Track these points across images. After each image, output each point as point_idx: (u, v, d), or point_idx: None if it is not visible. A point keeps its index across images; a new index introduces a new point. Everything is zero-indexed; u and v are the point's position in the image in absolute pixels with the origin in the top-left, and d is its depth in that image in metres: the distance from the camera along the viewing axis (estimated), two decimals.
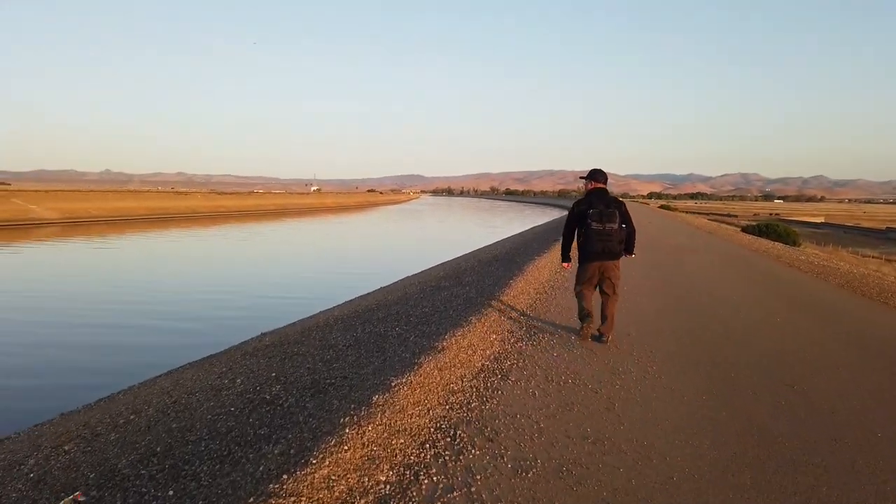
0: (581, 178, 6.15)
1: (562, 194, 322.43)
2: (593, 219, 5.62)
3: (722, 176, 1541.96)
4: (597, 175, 5.90)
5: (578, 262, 6.01)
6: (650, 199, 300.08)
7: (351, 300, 11.32)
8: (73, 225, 40.06)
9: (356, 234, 39.18)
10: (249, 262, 22.76)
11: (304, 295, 14.53)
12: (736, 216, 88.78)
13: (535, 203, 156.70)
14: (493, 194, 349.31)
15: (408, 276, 14.14)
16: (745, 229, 35.08)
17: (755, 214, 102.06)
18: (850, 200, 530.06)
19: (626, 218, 5.78)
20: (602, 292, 5.98)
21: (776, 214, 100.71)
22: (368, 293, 11.96)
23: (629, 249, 6.05)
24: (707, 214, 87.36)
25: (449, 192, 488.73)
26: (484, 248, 20.45)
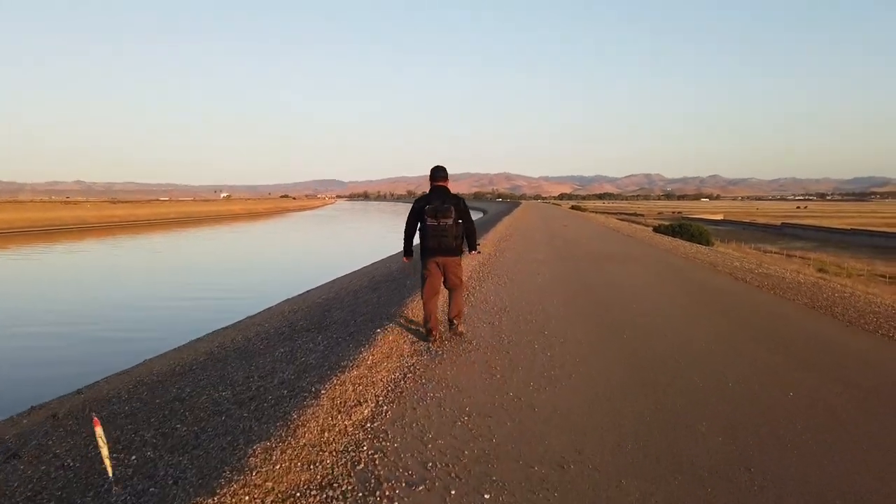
0: (429, 176, 6.05)
1: (478, 196, 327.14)
2: (428, 214, 5.63)
3: (627, 177, 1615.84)
4: (437, 172, 5.86)
5: (420, 260, 5.95)
6: (561, 199, 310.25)
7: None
8: None
9: (241, 246, 36.82)
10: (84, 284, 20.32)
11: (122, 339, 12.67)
12: (643, 215, 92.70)
13: None
14: (410, 198, 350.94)
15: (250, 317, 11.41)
16: (657, 229, 36.21)
17: (660, 213, 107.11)
18: (742, 198, 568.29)
19: (463, 214, 5.78)
20: (447, 287, 6.01)
21: (679, 213, 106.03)
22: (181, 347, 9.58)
23: (471, 246, 6.13)
24: (616, 214, 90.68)
25: (366, 197, 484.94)
26: (374, 264, 19.61)
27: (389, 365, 4.96)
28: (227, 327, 10.14)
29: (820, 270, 23.08)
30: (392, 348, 5.47)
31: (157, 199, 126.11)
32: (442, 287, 5.96)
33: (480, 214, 70.85)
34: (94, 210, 65.19)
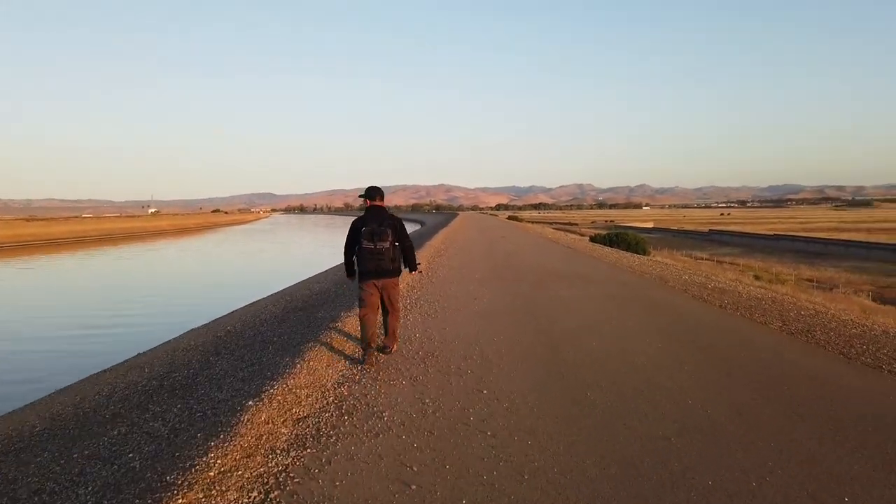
0: (360, 196, 6.04)
1: (415, 208, 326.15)
2: (365, 237, 5.58)
3: (560, 187, 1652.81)
4: (372, 192, 5.85)
5: (358, 281, 5.84)
6: (498, 210, 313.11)
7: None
8: None
9: (152, 267, 33.99)
10: None
11: None
12: (577, 224, 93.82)
13: None
14: (347, 210, 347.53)
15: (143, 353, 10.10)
16: (594, 239, 35.82)
17: (593, 221, 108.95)
18: (670, 206, 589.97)
19: (401, 236, 5.76)
20: (384, 309, 5.99)
21: (611, 221, 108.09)
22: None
23: (411, 266, 6.01)
24: (551, 223, 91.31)
25: (301, 210, 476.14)
26: (304, 281, 17.74)
27: (242, 476, 3.19)
28: (62, 389, 7.97)
29: (756, 278, 22.90)
30: (259, 438, 3.70)
31: (80, 216, 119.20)
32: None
33: (418, 227, 69.51)
34: (3, 229, 60.37)
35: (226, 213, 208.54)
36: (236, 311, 13.05)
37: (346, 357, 5.62)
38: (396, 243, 5.69)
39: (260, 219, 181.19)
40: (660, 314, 8.24)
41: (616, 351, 6.05)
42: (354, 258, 5.78)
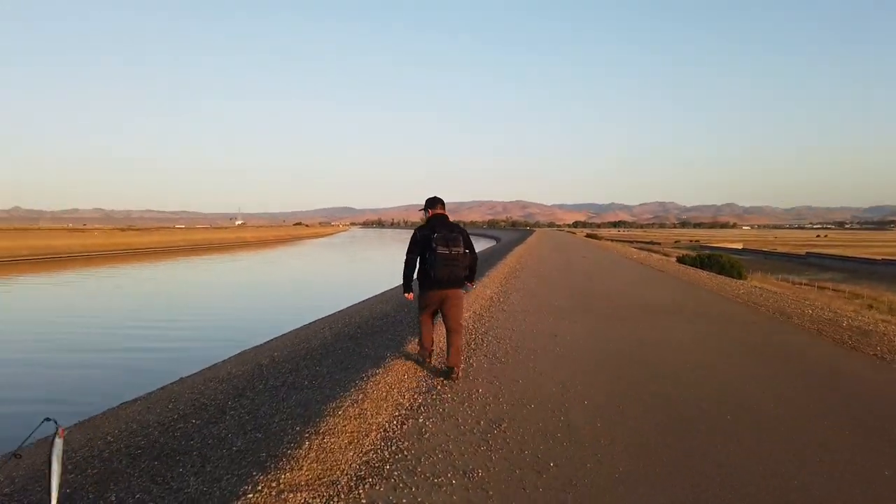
0: (420, 210, 5.92)
1: (491, 224, 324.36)
2: (439, 243, 5.36)
3: (641, 205, 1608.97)
4: (434, 202, 5.76)
5: (420, 290, 5.66)
6: (575, 227, 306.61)
7: None
8: None
9: (229, 277, 33.73)
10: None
11: None
12: (659, 244, 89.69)
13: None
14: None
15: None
16: (681, 260, 33.24)
17: (676, 241, 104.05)
18: (759, 227, 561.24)
19: (469, 243, 5.60)
20: (447, 326, 5.65)
21: (696, 241, 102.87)
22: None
23: (470, 277, 5.81)
24: (631, 242, 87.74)
25: (379, 224, 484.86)
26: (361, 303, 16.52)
27: None
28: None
29: (869, 307, 20.23)
30: None
31: (173, 227, 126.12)
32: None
33: (493, 243, 68.05)
34: (101, 238, 64.43)
35: (307, 226, 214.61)
36: (287, 334, 12.00)
37: (376, 429, 4.11)
38: (467, 251, 5.51)
39: (339, 232, 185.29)
40: (813, 377, 6.03)
41: (768, 452, 4.11)
42: (419, 269, 5.60)
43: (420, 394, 4.96)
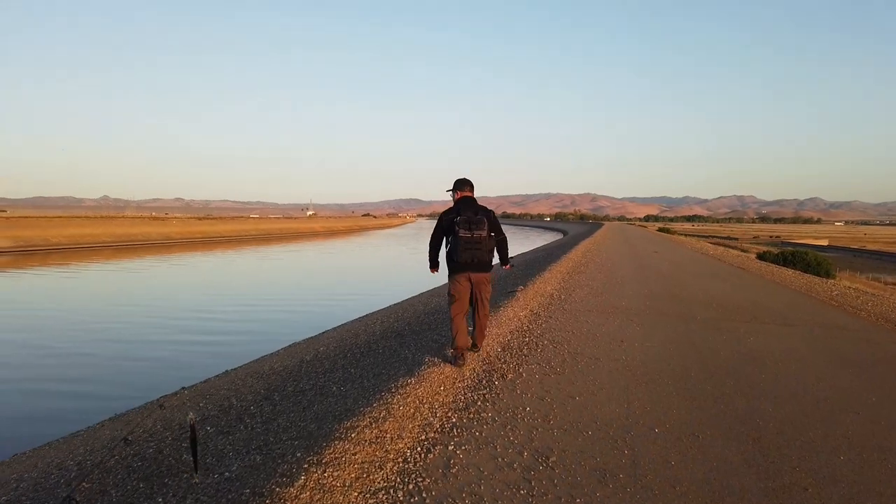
0: (448, 190, 5.79)
1: (559, 217, 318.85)
2: (461, 226, 5.30)
3: (717, 198, 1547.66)
4: (463, 184, 5.62)
5: (448, 275, 5.59)
6: (647, 221, 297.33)
7: None
8: (28, 254, 36.61)
9: (289, 266, 33.75)
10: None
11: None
12: (737, 239, 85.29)
13: (530, 227, 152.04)
14: None
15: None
16: (762, 256, 30.95)
17: (755, 237, 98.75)
18: (846, 222, 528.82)
19: (495, 227, 5.53)
20: (472, 305, 5.65)
21: (777, 237, 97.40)
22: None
23: (504, 260, 5.94)
24: (706, 237, 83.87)
25: None
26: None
27: None
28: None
29: None
30: None
31: (248, 216, 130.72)
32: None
33: (560, 236, 66.41)
34: (178, 226, 67.05)
35: (374, 217, 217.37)
36: (343, 325, 11.52)
37: (393, 458, 3.38)
38: (492, 234, 5.46)
39: (406, 223, 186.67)
40: None
41: None
42: (446, 251, 5.56)
43: (455, 411, 4.20)
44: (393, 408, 4.05)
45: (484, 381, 4.97)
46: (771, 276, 16.26)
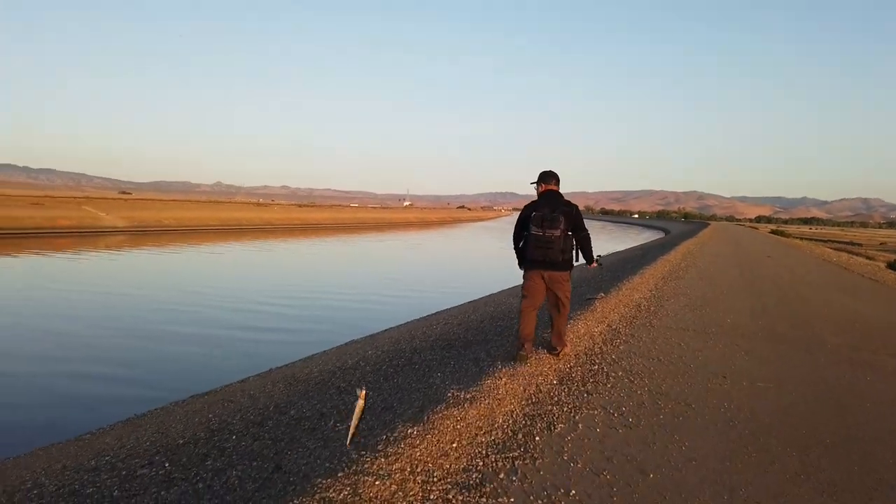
0: (532, 183, 5.51)
1: (660, 215, 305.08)
2: (534, 223, 5.17)
3: (839, 200, 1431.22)
4: (546, 177, 5.40)
5: (523, 272, 5.42)
6: (758, 222, 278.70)
7: None
8: (142, 234, 39.18)
9: (367, 257, 33.11)
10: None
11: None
12: (860, 245, 77.35)
13: (629, 224, 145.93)
14: (588, 214, 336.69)
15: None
16: (893, 265, 27.01)
17: (882, 243, 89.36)
18: None
19: (576, 222, 5.26)
20: (550, 307, 5.40)
21: None
22: None
23: (588, 259, 5.49)
24: (825, 241, 76.64)
25: None
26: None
27: None
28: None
29: None
30: None
31: (347, 205, 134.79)
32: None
33: (660, 234, 62.72)
34: (279, 213, 69.83)
35: (469, 209, 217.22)
36: (403, 325, 10.42)
37: None
38: (570, 232, 5.22)
39: (500, 216, 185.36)
40: None
41: None
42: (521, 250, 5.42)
43: (460, 489, 2.83)
44: (360, 487, 2.71)
45: (520, 435, 3.56)
46: None
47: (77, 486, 3.56)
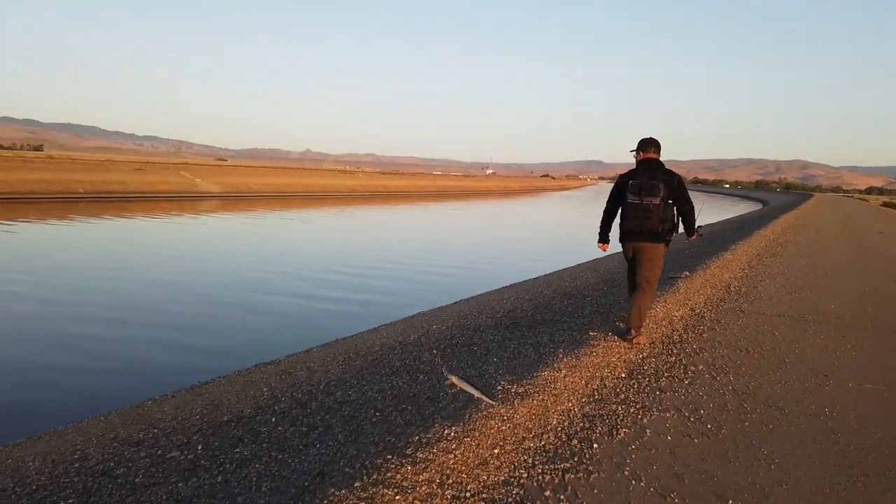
0: (631, 151, 5.28)
1: (759, 186, 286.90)
2: (631, 191, 4.93)
3: None
4: (646, 144, 5.12)
5: (621, 247, 5.17)
6: (869, 194, 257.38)
7: None
8: (234, 199, 41.42)
9: (442, 226, 32.68)
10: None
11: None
12: None
13: (721, 194, 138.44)
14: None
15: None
16: None
17: None
18: None
19: (679, 193, 4.94)
20: (636, 280, 5.08)
21: None
22: None
23: (689, 230, 5.19)
24: None
25: None
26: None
27: None
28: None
29: None
30: None
31: (430, 173, 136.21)
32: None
33: (759, 206, 59.07)
34: (363, 180, 71.68)
35: (553, 178, 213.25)
36: (473, 297, 10.10)
37: None
38: (670, 202, 4.89)
39: (586, 185, 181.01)
40: None
41: None
42: (614, 221, 5.25)
43: (542, 461, 2.47)
44: (376, 502, 2.34)
45: (575, 441, 3.12)
46: None
47: (112, 465, 3.45)
